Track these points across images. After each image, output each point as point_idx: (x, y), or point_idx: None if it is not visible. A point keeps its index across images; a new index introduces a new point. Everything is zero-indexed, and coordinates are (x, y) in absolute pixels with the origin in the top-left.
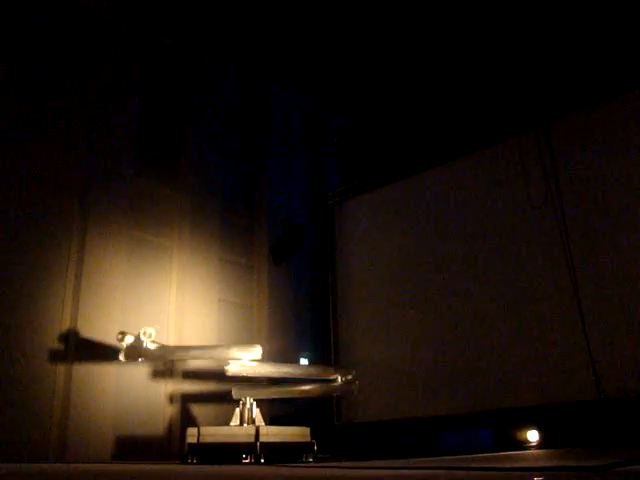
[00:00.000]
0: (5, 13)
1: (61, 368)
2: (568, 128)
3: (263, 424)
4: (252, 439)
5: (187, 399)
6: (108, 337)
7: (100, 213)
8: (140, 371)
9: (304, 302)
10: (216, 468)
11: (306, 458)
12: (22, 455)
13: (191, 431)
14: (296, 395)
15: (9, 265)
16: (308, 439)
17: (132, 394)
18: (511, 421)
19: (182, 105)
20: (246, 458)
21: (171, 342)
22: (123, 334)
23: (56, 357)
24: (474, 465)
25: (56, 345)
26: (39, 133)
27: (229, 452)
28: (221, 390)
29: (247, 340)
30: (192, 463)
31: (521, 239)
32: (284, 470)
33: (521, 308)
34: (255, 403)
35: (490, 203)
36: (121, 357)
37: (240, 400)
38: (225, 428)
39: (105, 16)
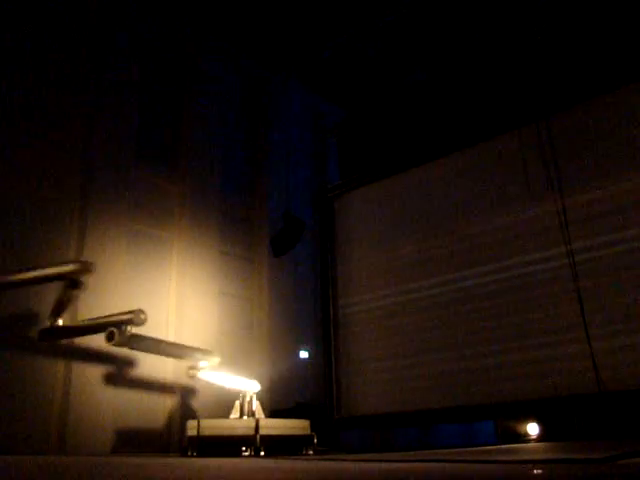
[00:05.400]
0: (7, 11)
1: (61, 361)
2: (568, 120)
3: (263, 417)
4: (252, 432)
5: (187, 391)
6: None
7: (100, 206)
8: (140, 364)
9: (304, 294)
10: (216, 461)
11: (306, 451)
12: (22, 448)
13: (191, 424)
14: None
15: (9, 258)
16: (308, 432)
17: (132, 387)
18: (511, 414)
19: (182, 98)
20: (246, 451)
21: (171, 335)
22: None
23: (56, 350)
24: (474, 458)
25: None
26: (39, 127)
27: (229, 445)
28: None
29: (247, 333)
30: (192, 456)
31: (521, 230)
32: (284, 463)
33: (521, 300)
34: (255, 396)
35: (490, 194)
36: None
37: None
38: (225, 421)
39: (104, 10)
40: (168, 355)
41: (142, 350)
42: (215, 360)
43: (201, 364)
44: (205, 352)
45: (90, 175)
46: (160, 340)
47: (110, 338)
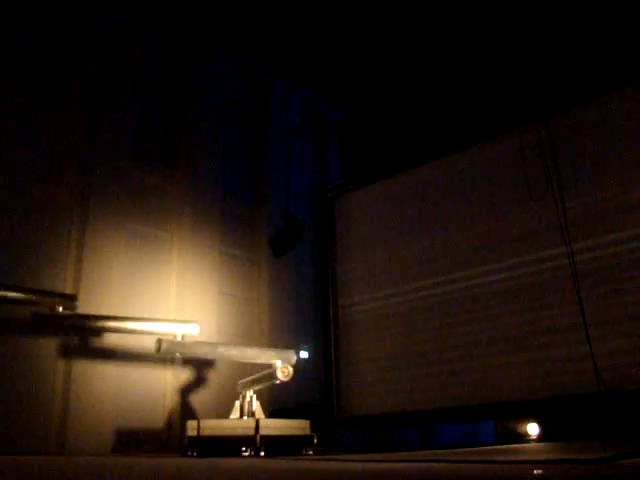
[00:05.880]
0: (7, 12)
1: (61, 361)
2: (568, 120)
3: (263, 417)
4: (252, 432)
5: (187, 392)
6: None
7: (100, 206)
8: (140, 364)
9: (304, 295)
10: (216, 461)
11: (306, 451)
12: (22, 447)
13: (191, 424)
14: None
15: (9, 258)
16: (308, 432)
17: (132, 387)
18: (511, 414)
19: (182, 98)
20: (246, 451)
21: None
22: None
23: (56, 350)
24: (474, 458)
25: (56, 338)
26: (39, 126)
27: (229, 445)
28: (222, 382)
29: (247, 333)
30: (192, 456)
31: (521, 231)
32: (284, 463)
33: (521, 300)
34: (255, 396)
35: (490, 195)
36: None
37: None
38: (225, 421)
39: (104, 10)
40: (234, 359)
41: (197, 356)
42: (293, 358)
43: (278, 364)
44: (279, 350)
45: (90, 175)
46: (215, 344)
47: (158, 348)
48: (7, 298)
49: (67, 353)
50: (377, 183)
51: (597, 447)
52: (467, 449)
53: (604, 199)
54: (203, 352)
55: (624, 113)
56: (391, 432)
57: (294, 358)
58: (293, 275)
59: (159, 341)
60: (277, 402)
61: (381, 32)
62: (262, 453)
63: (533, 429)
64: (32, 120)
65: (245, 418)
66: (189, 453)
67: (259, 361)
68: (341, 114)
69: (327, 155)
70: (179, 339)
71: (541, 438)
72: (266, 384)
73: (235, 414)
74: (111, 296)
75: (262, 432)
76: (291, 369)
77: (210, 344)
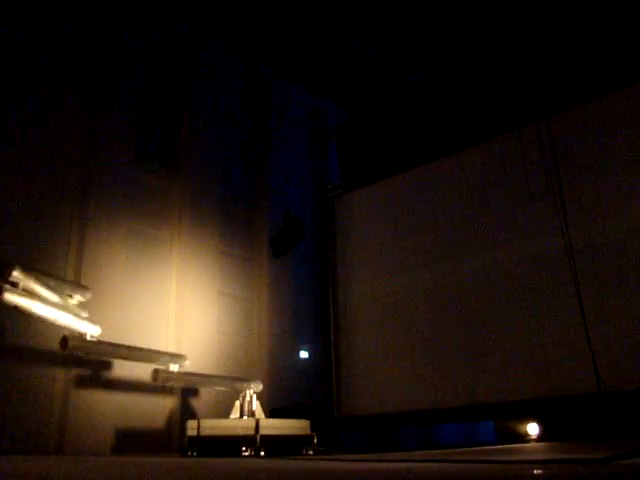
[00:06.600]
0: (9, 11)
1: (61, 362)
2: (568, 120)
3: (263, 417)
4: (252, 432)
5: (187, 392)
6: (107, 331)
7: (100, 205)
8: (140, 364)
9: (304, 294)
10: (216, 461)
11: (306, 451)
12: (22, 447)
13: (191, 424)
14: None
15: (9, 258)
16: (308, 432)
17: (132, 387)
18: (511, 414)
19: (183, 97)
20: (246, 451)
21: (171, 335)
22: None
23: (56, 351)
24: (474, 458)
25: (57, 339)
26: (40, 127)
27: (229, 445)
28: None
29: (247, 333)
30: (192, 456)
31: (521, 231)
32: (284, 463)
33: (521, 301)
34: (255, 396)
35: (490, 194)
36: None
37: None
38: (225, 421)
39: (105, 11)
40: (132, 360)
41: (101, 356)
42: (184, 363)
43: (171, 367)
44: (173, 355)
45: (90, 175)
46: (118, 345)
47: (62, 346)
48: None
49: (67, 353)
50: (377, 183)
51: (597, 447)
52: (467, 449)
53: (604, 199)
54: (104, 353)
55: (624, 113)
56: (391, 432)
57: (186, 363)
58: (293, 275)
59: (64, 339)
60: (277, 402)
61: (381, 32)
62: (262, 453)
63: (533, 429)
64: (32, 120)
65: (245, 418)
66: (189, 453)
67: (155, 364)
68: (341, 114)
69: (327, 155)
70: (87, 338)
71: (541, 438)
72: None
73: (235, 414)
74: (111, 296)
75: (262, 432)
76: (159, 374)
77: (111, 345)
